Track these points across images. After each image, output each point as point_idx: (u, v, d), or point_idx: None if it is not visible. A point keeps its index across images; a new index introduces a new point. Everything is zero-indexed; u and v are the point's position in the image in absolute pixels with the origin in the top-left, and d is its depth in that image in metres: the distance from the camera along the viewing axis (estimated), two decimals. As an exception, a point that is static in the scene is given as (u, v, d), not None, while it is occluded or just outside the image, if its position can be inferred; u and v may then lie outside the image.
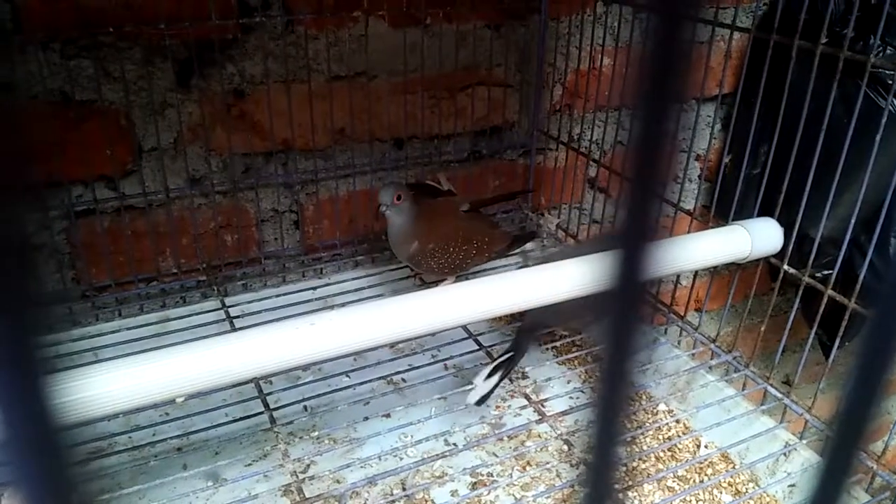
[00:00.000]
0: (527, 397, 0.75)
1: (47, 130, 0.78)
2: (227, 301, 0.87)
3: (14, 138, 0.11)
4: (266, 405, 0.70)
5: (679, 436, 0.75)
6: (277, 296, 0.89)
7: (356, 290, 0.91)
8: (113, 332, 0.81)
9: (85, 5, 0.75)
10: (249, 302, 0.87)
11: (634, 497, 0.67)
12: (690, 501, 0.68)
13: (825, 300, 0.73)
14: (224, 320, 0.83)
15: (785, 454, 0.71)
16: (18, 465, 0.13)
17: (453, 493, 0.67)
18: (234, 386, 0.70)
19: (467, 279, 0.91)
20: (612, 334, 0.16)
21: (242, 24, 0.83)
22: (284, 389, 0.74)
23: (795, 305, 0.77)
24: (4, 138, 0.11)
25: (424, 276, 0.92)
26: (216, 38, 0.81)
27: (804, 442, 0.71)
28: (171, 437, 0.69)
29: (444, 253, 0.83)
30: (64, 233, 0.83)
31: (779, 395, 0.76)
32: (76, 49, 0.77)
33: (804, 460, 0.70)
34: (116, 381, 0.51)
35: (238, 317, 0.84)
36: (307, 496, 0.62)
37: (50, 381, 0.12)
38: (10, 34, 0.73)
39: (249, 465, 0.68)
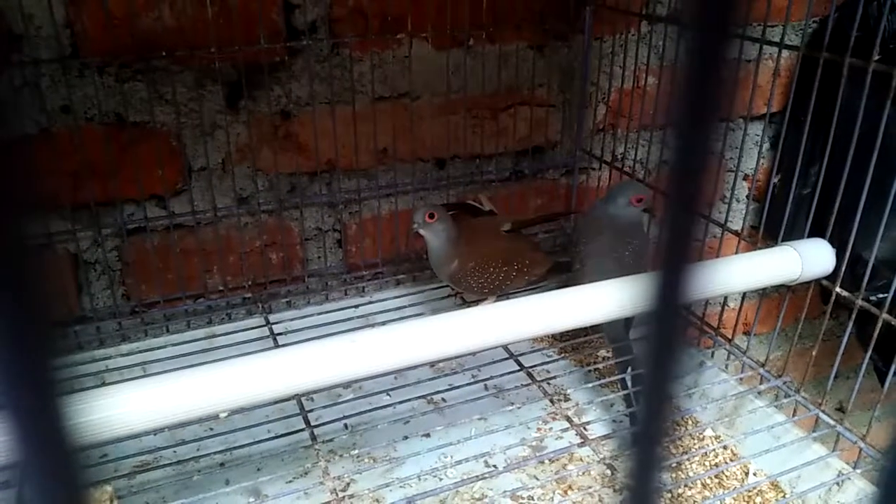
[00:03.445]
0: (569, 420, 0.74)
1: (102, 151, 0.80)
2: (271, 318, 0.88)
3: (72, 159, 0.11)
4: (307, 422, 0.70)
5: (726, 462, 0.73)
6: (320, 313, 0.90)
7: (397, 308, 0.92)
8: (161, 347, 0.83)
9: (139, 30, 0.77)
10: (293, 319, 0.88)
11: (679, 525, 0.65)
12: (738, 531, 0.66)
13: (880, 324, 0.71)
14: (268, 337, 0.84)
15: (838, 484, 0.68)
16: (33, 485, 0.13)
17: (493, 515, 0.66)
18: (276, 402, 0.70)
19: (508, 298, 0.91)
20: (654, 356, 0.16)
21: (290, 47, 0.85)
22: (325, 407, 0.75)
23: (849, 329, 0.74)
24: (62, 159, 0.11)
25: (465, 295, 0.92)
26: (264, 61, 0.83)
27: (858, 471, 0.68)
28: (214, 453, 0.70)
29: (484, 273, 0.83)
30: (116, 250, 0.86)
31: (831, 422, 0.73)
32: (130, 73, 0.79)
33: (858, 490, 0.67)
34: (163, 395, 0.52)
35: (281, 334, 0.85)
36: (346, 515, 0.62)
37: (66, 402, 0.12)
38: (69, 59, 0.76)
39: (290, 481, 0.68)
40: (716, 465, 0.73)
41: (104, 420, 0.49)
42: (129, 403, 0.51)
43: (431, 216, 0.80)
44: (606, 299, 0.66)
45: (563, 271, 0.90)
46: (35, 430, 0.12)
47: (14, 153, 0.11)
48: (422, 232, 0.81)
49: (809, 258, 0.74)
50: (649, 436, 0.17)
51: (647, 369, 0.16)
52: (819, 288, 0.79)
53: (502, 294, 0.87)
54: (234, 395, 0.55)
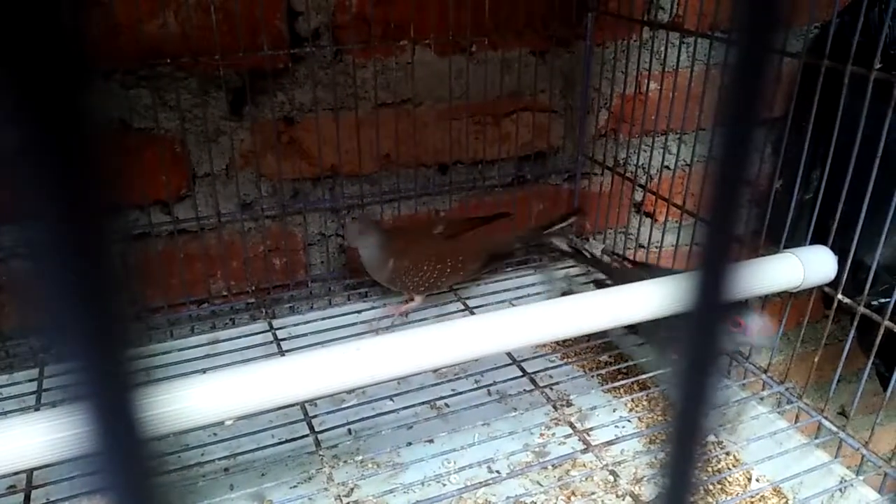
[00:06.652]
0: (571, 426, 0.74)
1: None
2: (275, 323, 0.89)
3: (113, 160, 0.12)
4: (311, 428, 0.70)
5: (729, 468, 0.73)
6: (323, 318, 0.90)
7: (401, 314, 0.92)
8: (165, 352, 0.83)
9: (144, 37, 0.78)
10: (296, 325, 0.89)
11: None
12: (741, 537, 0.66)
13: (882, 330, 0.71)
14: (271, 342, 0.85)
15: (840, 490, 0.68)
16: (108, 475, 0.13)
17: (496, 521, 0.66)
18: (280, 408, 0.71)
19: (511, 305, 0.91)
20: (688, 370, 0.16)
21: (293, 54, 0.85)
22: (329, 412, 0.75)
23: (851, 335, 0.74)
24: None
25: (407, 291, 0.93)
26: (268, 67, 0.84)
27: (861, 478, 0.69)
28: (218, 458, 0.70)
29: (419, 271, 0.86)
30: (120, 255, 0.86)
31: (834, 428, 0.74)
32: (135, 79, 0.80)
33: (861, 497, 0.67)
34: (169, 402, 0.52)
35: (285, 339, 0.85)
36: (351, 521, 0.62)
37: (138, 395, 0.13)
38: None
39: (294, 487, 0.69)
40: (718, 471, 0.73)
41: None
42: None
43: (361, 231, 0.86)
44: (604, 308, 0.66)
45: (501, 260, 0.96)
46: (111, 420, 0.13)
47: (99, 151, 0.11)
48: (354, 245, 0.86)
49: (811, 266, 0.74)
50: (682, 457, 0.17)
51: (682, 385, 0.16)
52: (822, 292, 0.79)
53: (434, 292, 0.91)
54: (239, 403, 0.55)
